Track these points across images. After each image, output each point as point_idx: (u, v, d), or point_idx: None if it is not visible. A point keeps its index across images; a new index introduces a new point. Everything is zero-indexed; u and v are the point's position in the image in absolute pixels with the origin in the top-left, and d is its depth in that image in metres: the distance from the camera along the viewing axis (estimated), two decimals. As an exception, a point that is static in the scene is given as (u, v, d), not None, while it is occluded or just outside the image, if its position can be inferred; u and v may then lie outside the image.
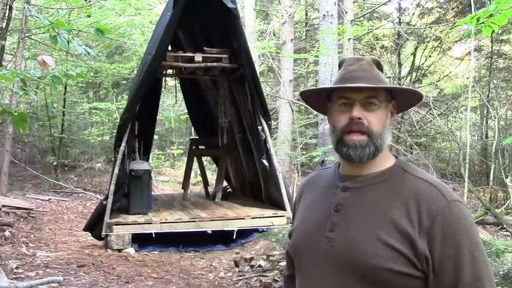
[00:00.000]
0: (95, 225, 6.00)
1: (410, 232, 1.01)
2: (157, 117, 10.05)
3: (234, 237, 6.16)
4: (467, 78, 12.33)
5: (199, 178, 10.96)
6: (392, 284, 1.01)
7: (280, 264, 4.81)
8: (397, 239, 1.01)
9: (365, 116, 1.09)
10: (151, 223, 5.95)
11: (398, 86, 1.22)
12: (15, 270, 4.42)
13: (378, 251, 1.01)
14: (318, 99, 1.24)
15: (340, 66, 1.19)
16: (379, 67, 1.17)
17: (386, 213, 1.04)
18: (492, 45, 12.61)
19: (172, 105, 15.35)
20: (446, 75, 14.60)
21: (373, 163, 1.12)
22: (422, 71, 14.02)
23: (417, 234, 1.01)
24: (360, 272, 1.03)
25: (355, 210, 1.09)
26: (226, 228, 6.15)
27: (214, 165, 11.19)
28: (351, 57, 1.19)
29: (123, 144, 6.16)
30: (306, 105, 11.63)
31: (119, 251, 5.72)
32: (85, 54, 5.88)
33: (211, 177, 10.81)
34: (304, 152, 10.02)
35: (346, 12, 9.53)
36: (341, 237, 1.07)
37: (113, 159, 7.24)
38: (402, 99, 1.19)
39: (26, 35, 9.15)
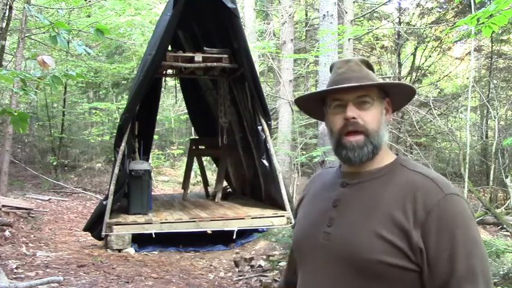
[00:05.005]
0: (94, 225, 6.00)
1: (405, 225, 1.01)
2: (157, 117, 10.06)
3: (234, 237, 6.17)
4: (467, 78, 12.32)
5: (199, 178, 10.96)
6: (388, 277, 1.01)
7: (280, 264, 4.81)
8: (391, 232, 1.01)
9: (359, 115, 1.10)
10: (151, 223, 5.95)
11: (387, 81, 1.22)
12: (15, 270, 4.42)
13: (373, 244, 1.02)
14: (314, 105, 1.25)
15: (331, 70, 1.21)
16: (369, 67, 1.18)
17: (382, 207, 1.05)
18: (492, 45, 12.61)
19: (172, 105, 15.36)
20: (446, 75, 14.58)
21: (372, 161, 1.13)
22: (422, 71, 14.00)
23: (412, 226, 1.01)
24: (355, 265, 1.04)
25: (352, 205, 1.11)
26: (226, 228, 6.15)
27: (214, 165, 11.18)
28: (339, 60, 1.21)
29: (123, 144, 6.17)
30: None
31: (119, 251, 5.72)
32: (85, 54, 5.88)
33: (211, 177, 10.81)
34: (304, 152, 10.01)
35: (346, 12, 9.52)
36: (337, 232, 1.09)
37: (112, 159, 7.25)
38: (396, 95, 1.20)
39: (26, 35, 9.15)
